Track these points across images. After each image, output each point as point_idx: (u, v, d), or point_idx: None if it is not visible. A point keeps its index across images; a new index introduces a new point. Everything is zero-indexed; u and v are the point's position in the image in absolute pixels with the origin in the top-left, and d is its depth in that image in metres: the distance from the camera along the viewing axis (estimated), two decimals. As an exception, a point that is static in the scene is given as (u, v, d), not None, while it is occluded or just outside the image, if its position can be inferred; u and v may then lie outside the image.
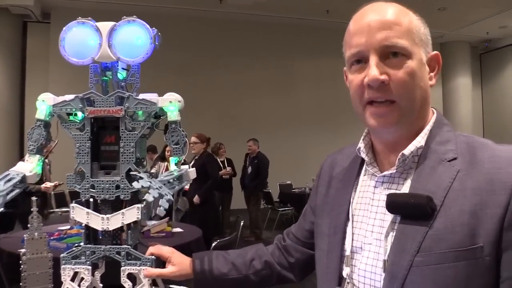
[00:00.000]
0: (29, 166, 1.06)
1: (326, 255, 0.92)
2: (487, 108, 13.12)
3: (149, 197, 0.87)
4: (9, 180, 1.01)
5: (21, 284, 1.36)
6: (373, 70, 0.79)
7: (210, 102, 10.17)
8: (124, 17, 1.04)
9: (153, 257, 1.02)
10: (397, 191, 0.83)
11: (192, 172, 1.03)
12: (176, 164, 1.04)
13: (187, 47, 10.21)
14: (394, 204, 0.79)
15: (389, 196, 0.80)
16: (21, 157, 9.63)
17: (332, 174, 1.01)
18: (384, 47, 0.80)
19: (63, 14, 9.52)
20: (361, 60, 0.83)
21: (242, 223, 4.01)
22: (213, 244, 3.38)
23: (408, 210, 0.77)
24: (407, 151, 0.82)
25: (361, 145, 0.91)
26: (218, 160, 7.17)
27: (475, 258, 0.71)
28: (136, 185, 0.87)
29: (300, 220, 1.15)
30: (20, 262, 1.36)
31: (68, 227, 3.72)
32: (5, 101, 9.41)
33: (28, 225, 1.41)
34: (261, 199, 7.79)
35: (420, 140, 0.83)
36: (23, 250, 1.44)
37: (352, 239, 0.88)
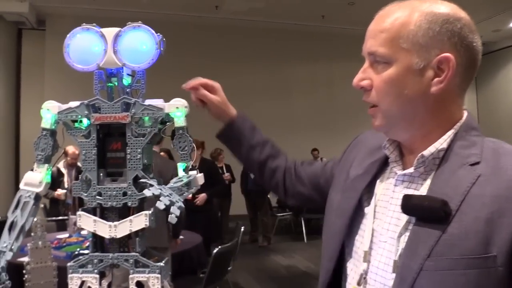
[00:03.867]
0: (38, 176, 1.05)
1: (331, 235, 0.96)
2: (482, 111, 13.17)
3: (160, 205, 0.86)
4: (24, 205, 1.02)
5: (24, 293, 1.34)
6: (357, 76, 0.86)
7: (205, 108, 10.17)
8: (129, 23, 1.03)
9: (161, 264, 1.00)
10: (416, 191, 0.82)
11: (201, 178, 1.02)
12: (184, 170, 1.03)
13: (183, 52, 10.19)
14: (408, 205, 0.79)
15: (405, 197, 0.80)
16: (17, 164, 9.64)
17: (359, 154, 1.01)
18: (370, 55, 0.84)
19: (58, 21, 9.49)
20: None
21: (242, 229, 4.00)
22: (214, 251, 3.36)
23: (423, 213, 0.77)
24: (426, 152, 0.81)
25: (386, 142, 0.90)
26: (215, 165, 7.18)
27: (487, 267, 0.70)
28: (147, 192, 0.87)
29: (316, 169, 1.19)
30: (24, 271, 1.35)
31: (67, 235, 3.70)
32: (1, 108, 9.37)
33: (32, 234, 1.40)
34: (267, 203, 7.82)
35: (442, 142, 0.82)
36: (25, 259, 1.42)
37: (372, 235, 0.87)
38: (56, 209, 5.35)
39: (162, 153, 5.20)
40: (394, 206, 0.85)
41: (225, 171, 7.37)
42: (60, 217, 4.81)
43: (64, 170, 5.46)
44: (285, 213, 8.53)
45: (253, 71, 11.06)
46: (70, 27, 1.06)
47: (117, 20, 1.05)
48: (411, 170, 0.83)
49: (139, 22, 1.03)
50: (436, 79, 0.80)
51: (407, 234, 0.79)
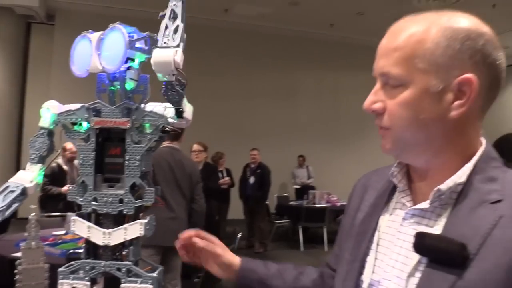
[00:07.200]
0: (30, 175, 1.02)
1: (342, 283, 0.86)
2: (488, 129, 13.06)
3: None
4: (9, 194, 0.98)
5: (15, 294, 1.32)
6: (368, 98, 0.80)
7: (210, 111, 10.14)
8: (111, 24, 1.00)
9: (154, 274, 0.98)
10: (428, 228, 0.75)
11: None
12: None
13: (187, 54, 10.17)
14: (422, 245, 0.72)
15: (418, 235, 0.73)
16: (18, 160, 9.62)
17: (364, 196, 0.94)
18: (382, 75, 0.77)
19: (68, 17, 9.53)
20: None
21: (239, 235, 3.98)
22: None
23: (438, 255, 0.70)
24: (444, 186, 0.74)
25: (395, 169, 0.83)
26: (218, 169, 7.16)
27: None
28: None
29: (334, 246, 1.08)
30: (15, 271, 1.32)
31: (63, 232, 3.67)
32: (5, 102, 9.37)
33: (25, 234, 1.38)
34: (265, 209, 7.81)
35: (460, 176, 0.74)
36: (18, 255, 1.39)
37: (373, 271, 0.81)
38: (52, 205, 5.34)
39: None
40: (401, 242, 0.79)
41: (224, 175, 7.35)
42: (58, 213, 4.80)
43: (65, 167, 5.46)
44: (283, 220, 8.50)
45: (259, 77, 11.09)
46: (79, 23, 1.05)
47: (127, 19, 1.02)
48: (425, 205, 0.76)
49: (118, 22, 1.00)
50: (457, 102, 0.73)
51: (418, 275, 0.73)
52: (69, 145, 5.41)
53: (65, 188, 5.24)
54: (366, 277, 0.82)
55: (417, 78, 0.73)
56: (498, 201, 0.70)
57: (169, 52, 0.92)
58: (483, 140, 0.80)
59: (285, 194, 9.55)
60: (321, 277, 1.07)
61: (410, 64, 0.73)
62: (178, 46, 0.93)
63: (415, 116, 0.74)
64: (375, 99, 0.79)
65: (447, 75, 0.72)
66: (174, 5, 0.96)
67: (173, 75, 0.94)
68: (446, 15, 0.75)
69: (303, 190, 9.15)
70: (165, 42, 0.93)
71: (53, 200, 5.34)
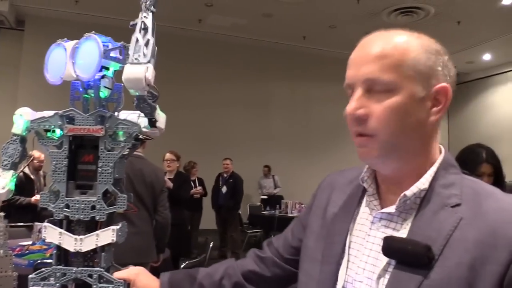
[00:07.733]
0: (2, 181, 1.02)
1: (316, 284, 0.88)
2: (453, 141, 13.55)
3: None
4: None
5: (-19, 303, 1.30)
6: (351, 104, 0.80)
7: (183, 120, 10.09)
8: (86, 34, 1.02)
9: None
10: (395, 231, 0.80)
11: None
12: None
13: (161, 64, 10.15)
14: (390, 248, 0.76)
15: (386, 239, 0.77)
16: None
17: (331, 196, 0.97)
18: (368, 81, 0.79)
19: (38, 23, 9.36)
20: (353, 90, 0.83)
21: (211, 245, 3.97)
22: (182, 266, 3.32)
23: (405, 257, 0.75)
24: (409, 192, 0.79)
25: (365, 174, 0.88)
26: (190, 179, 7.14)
27: None
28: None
29: (286, 235, 1.10)
30: (-18, 280, 1.30)
31: (30, 242, 3.59)
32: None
33: (-7, 242, 1.36)
34: (237, 219, 7.80)
35: (424, 182, 0.79)
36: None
37: (346, 273, 0.85)
38: (18, 215, 5.17)
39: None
40: (371, 244, 0.83)
41: (197, 185, 7.33)
42: (23, 223, 4.66)
43: (32, 176, 5.33)
44: (255, 229, 8.52)
45: (231, 87, 11.11)
46: (49, 29, 1.06)
47: (98, 26, 1.04)
48: (391, 209, 0.81)
49: (93, 31, 1.02)
50: (435, 108, 0.79)
51: (387, 276, 0.77)
52: (36, 153, 5.29)
53: (35, 198, 5.10)
54: (340, 279, 0.85)
55: (406, 84, 0.77)
56: (458, 204, 0.76)
57: (140, 68, 0.92)
58: (443, 148, 0.86)
59: (258, 204, 9.58)
60: (256, 264, 1.10)
61: (400, 71, 0.77)
62: (149, 62, 0.93)
63: (403, 120, 0.77)
64: (358, 105, 0.80)
65: (427, 84, 0.78)
66: (145, 16, 0.97)
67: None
68: (413, 33, 0.82)
69: (270, 200, 9.20)
70: (136, 58, 0.94)
71: (20, 210, 5.16)
